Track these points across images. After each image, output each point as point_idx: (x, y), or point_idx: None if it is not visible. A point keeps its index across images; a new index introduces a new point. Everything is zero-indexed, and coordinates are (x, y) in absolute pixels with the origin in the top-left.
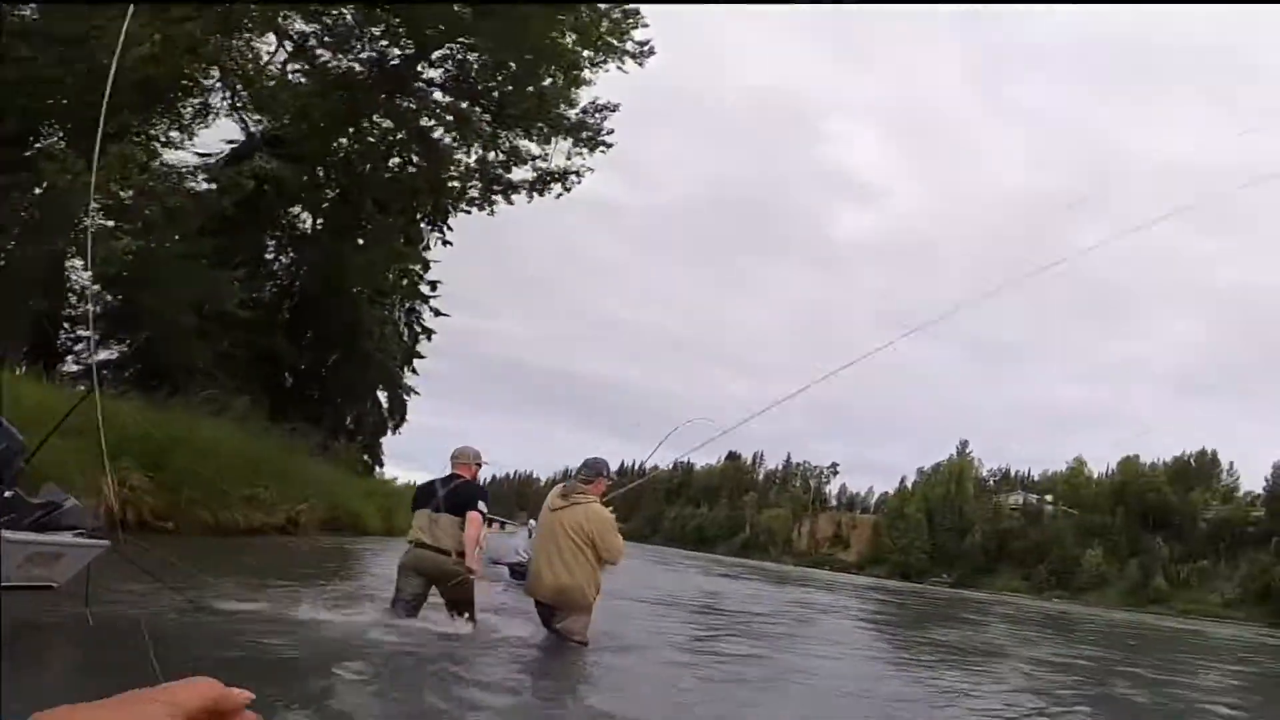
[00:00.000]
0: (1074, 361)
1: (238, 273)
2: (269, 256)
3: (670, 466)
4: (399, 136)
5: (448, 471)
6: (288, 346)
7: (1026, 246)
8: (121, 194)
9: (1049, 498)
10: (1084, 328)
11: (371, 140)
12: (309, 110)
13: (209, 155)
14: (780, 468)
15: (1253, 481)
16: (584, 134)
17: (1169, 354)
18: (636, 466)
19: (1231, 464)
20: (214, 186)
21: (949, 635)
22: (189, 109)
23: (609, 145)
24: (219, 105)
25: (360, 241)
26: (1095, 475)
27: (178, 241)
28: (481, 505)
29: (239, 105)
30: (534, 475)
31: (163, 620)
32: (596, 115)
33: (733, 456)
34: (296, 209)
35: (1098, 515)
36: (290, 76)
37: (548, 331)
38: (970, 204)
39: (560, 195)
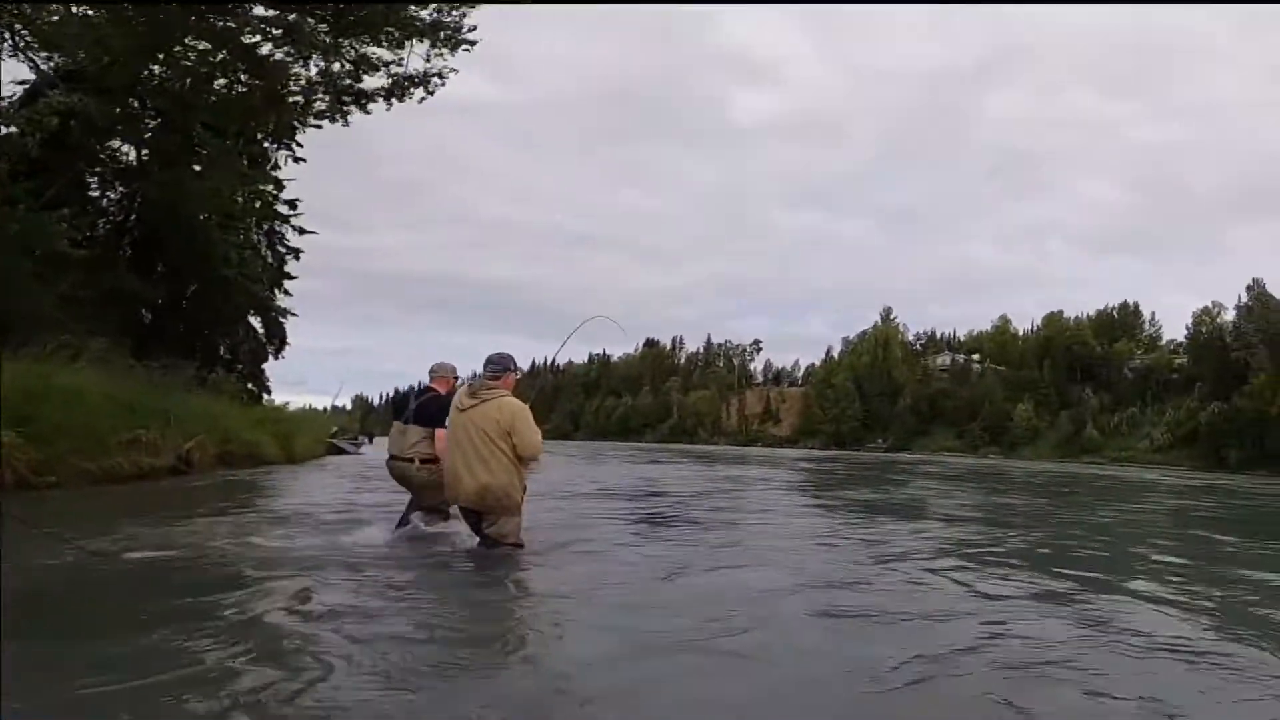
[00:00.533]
0: (989, 224)
1: (61, 212)
2: (95, 194)
3: (586, 360)
4: (220, 57)
5: (423, 385)
6: (137, 283)
7: (934, 116)
8: None
9: (976, 357)
10: (996, 192)
11: (189, 64)
12: (107, 41)
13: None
14: (701, 350)
15: (1174, 330)
16: (441, 34)
17: (1084, 215)
18: (549, 363)
19: (1153, 314)
20: (13, 130)
21: (875, 495)
22: None
23: (472, 43)
24: None
25: (197, 168)
26: (1021, 332)
27: None
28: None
29: (21, 45)
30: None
31: (85, 574)
32: (455, 12)
33: (650, 343)
34: (116, 143)
35: (1026, 371)
36: (75, 9)
37: (431, 240)
38: (876, 79)
39: (424, 100)
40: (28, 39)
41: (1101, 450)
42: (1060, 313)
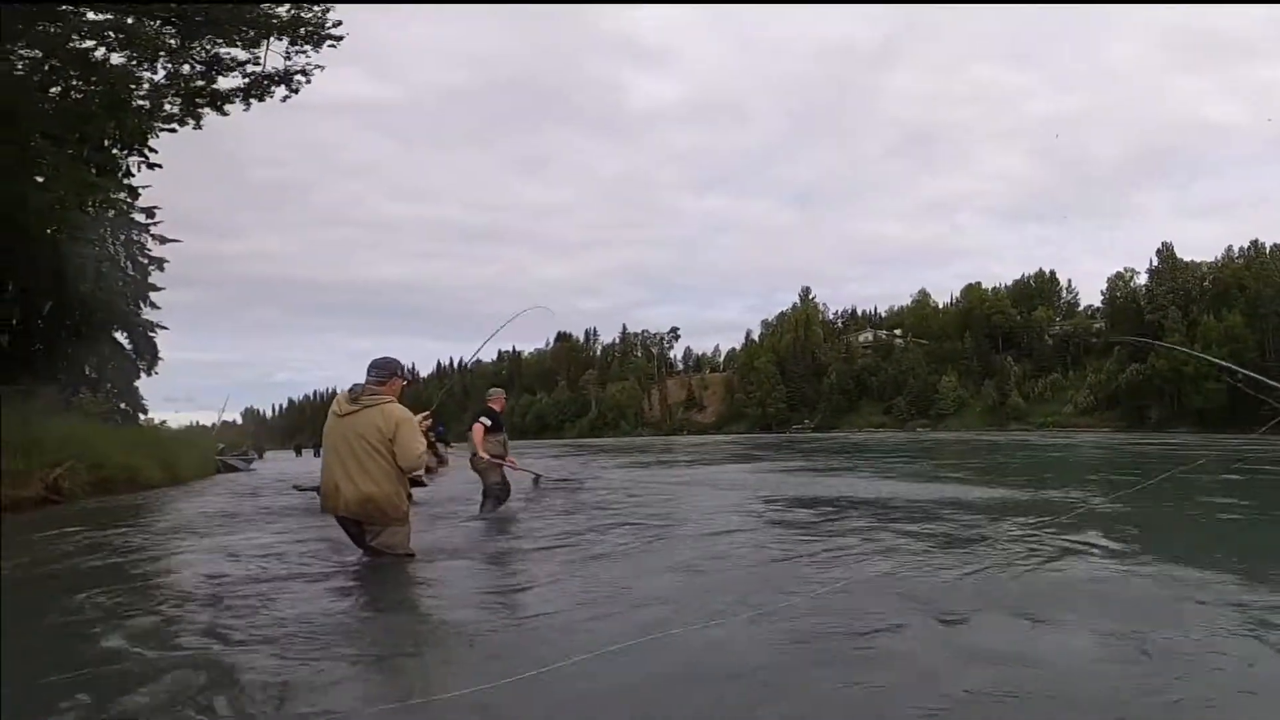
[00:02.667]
0: (899, 200)
1: None
2: None
3: (495, 358)
4: (51, 64)
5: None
6: None
7: (838, 94)
8: None
9: (898, 332)
10: (904, 168)
11: (20, 71)
12: None
13: None
14: (618, 340)
15: (1090, 295)
16: (302, 30)
17: (994, 187)
18: (458, 363)
19: (1069, 281)
20: None
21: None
22: None
23: (338, 38)
24: None
25: (40, 179)
26: (941, 305)
27: None
28: None
29: None
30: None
31: None
32: (316, 8)
33: (563, 337)
34: None
35: (948, 343)
36: None
37: (312, 241)
38: (775, 56)
39: (287, 98)
40: None
41: (1027, 417)
42: (979, 284)
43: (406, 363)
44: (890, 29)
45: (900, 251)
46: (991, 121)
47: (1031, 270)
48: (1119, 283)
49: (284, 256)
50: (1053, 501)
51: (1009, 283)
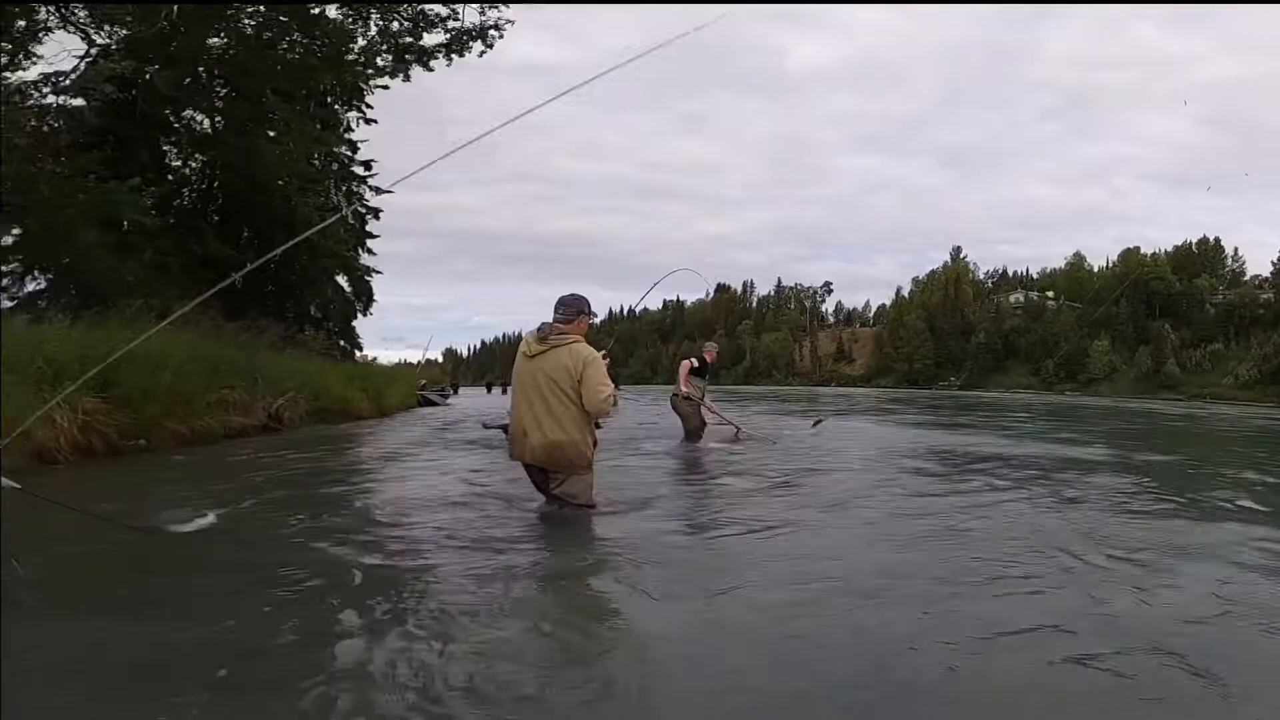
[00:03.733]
0: (1053, 163)
1: (131, 181)
2: (177, 163)
3: (660, 307)
4: (277, 22)
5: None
6: (224, 248)
7: (994, 57)
8: None
9: (1050, 294)
10: (1059, 131)
11: (249, 32)
12: (153, 12)
13: (61, 74)
14: (773, 293)
15: (1259, 265)
16: None
17: (1157, 152)
18: (625, 311)
19: (1236, 249)
20: (74, 102)
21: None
22: (15, 30)
23: None
24: (44, 19)
25: (271, 134)
26: (1096, 269)
27: (61, 161)
28: None
29: (70, 18)
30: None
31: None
32: None
33: (722, 288)
34: (190, 111)
35: (1102, 307)
36: None
37: (503, 196)
38: (933, 22)
39: (483, 53)
40: (79, 12)
41: (1182, 387)
42: (1137, 248)
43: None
44: None
45: (1054, 215)
46: (1154, 85)
47: (1194, 237)
48: None
49: (478, 210)
50: None
51: (1169, 248)
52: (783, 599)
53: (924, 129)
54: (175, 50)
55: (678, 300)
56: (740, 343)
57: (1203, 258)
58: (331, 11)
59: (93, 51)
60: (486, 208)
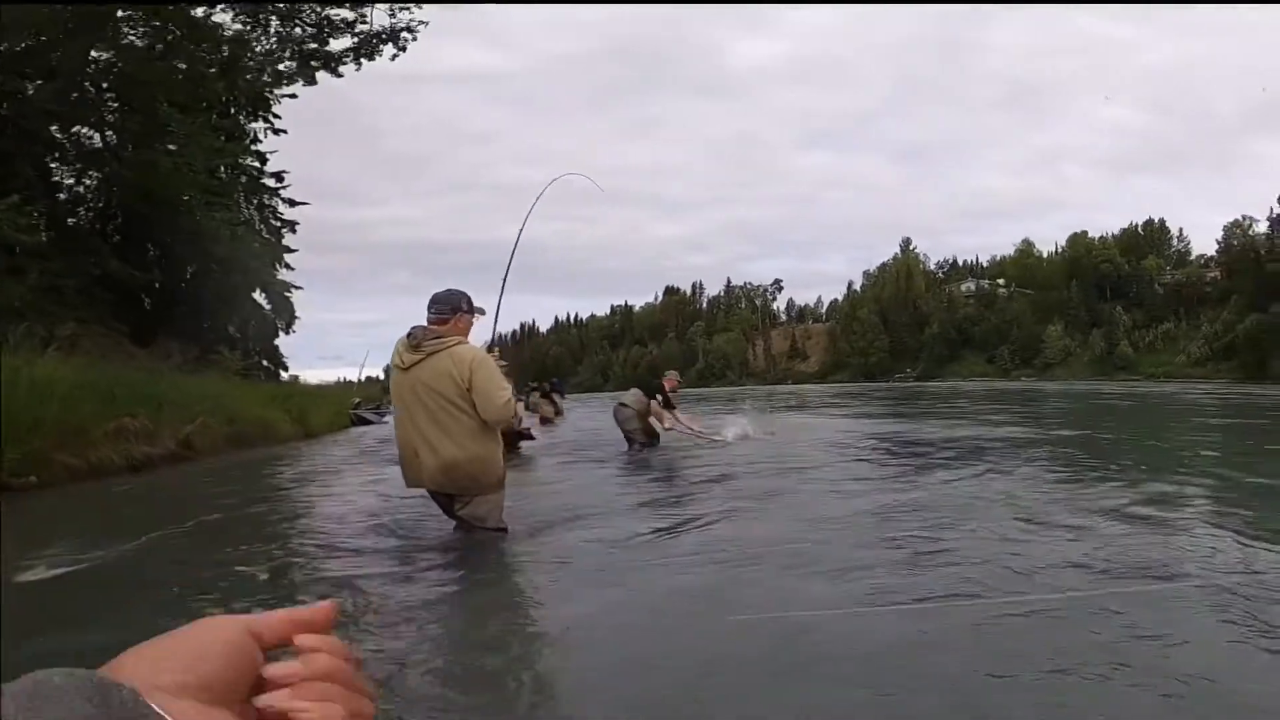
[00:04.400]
0: (1003, 153)
1: (11, 199)
2: (70, 180)
3: (608, 311)
4: (170, 35)
5: None
6: (123, 268)
7: (942, 50)
8: None
9: (1001, 281)
10: (1008, 122)
11: (138, 44)
12: (36, 25)
13: None
14: (723, 293)
15: (1202, 245)
16: None
17: (1100, 139)
18: (573, 318)
19: (1180, 230)
20: None
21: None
22: None
23: None
24: None
25: (172, 147)
26: (1045, 254)
27: None
28: None
29: None
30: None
31: None
32: None
33: (671, 291)
34: (79, 127)
35: (1053, 292)
36: None
37: (444, 207)
38: (878, 15)
39: (396, 56)
40: None
41: (1137, 368)
42: (1084, 233)
43: (525, 319)
44: None
45: (1002, 204)
46: (1097, 73)
47: (1140, 218)
48: (1236, 230)
49: (418, 222)
50: None
51: (1116, 231)
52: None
53: (874, 124)
54: (56, 63)
55: (625, 305)
56: (692, 345)
57: (1149, 239)
58: (225, 19)
59: None
60: (424, 219)
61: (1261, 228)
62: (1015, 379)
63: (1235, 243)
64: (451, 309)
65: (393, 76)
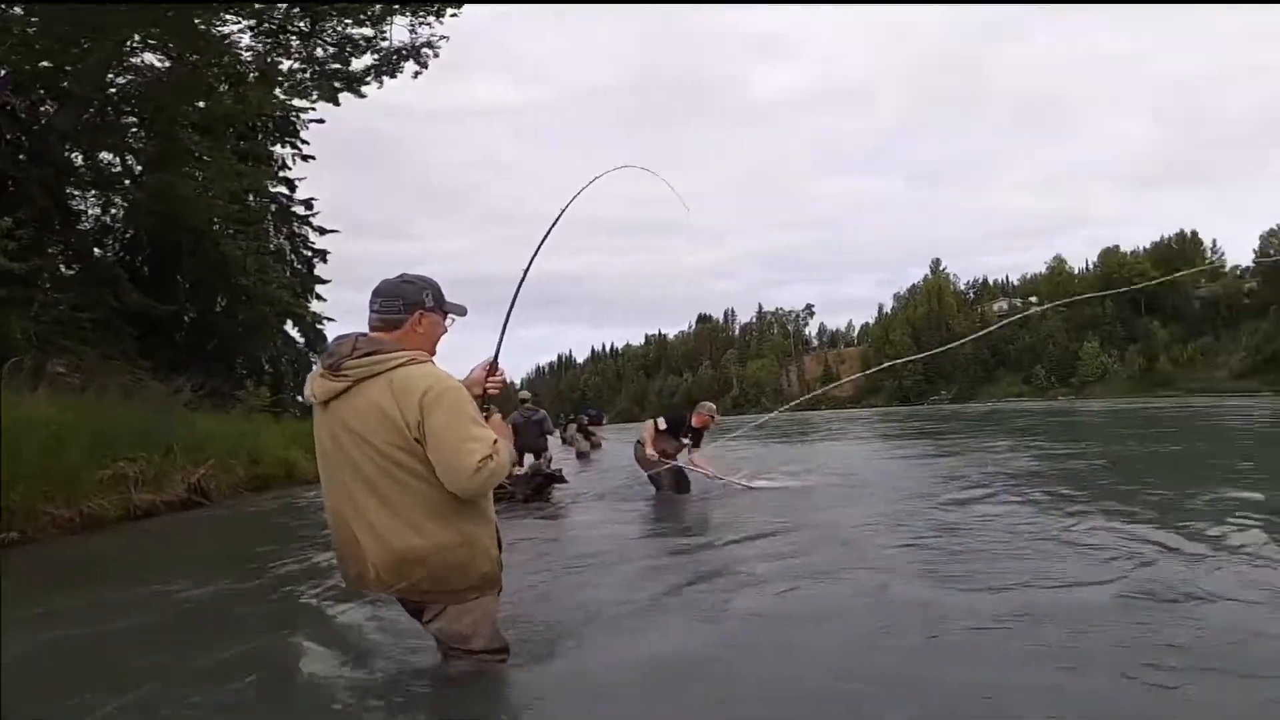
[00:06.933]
0: (1025, 171)
1: (21, 230)
2: (95, 210)
3: (643, 341)
4: (191, 61)
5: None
6: (144, 299)
7: (957, 70)
8: None
9: (1034, 299)
10: (1027, 140)
11: (157, 65)
12: (53, 49)
13: None
14: (754, 320)
15: (1237, 256)
16: None
17: (1123, 153)
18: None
19: (1214, 241)
20: None
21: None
22: None
23: (459, 5)
24: None
25: (199, 175)
26: (1076, 271)
27: None
28: None
29: None
30: (508, 379)
31: None
32: None
33: (704, 319)
34: (103, 154)
35: (1087, 308)
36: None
37: (480, 241)
38: (894, 39)
39: (418, 74)
40: None
41: (1177, 383)
42: (1116, 247)
43: (562, 349)
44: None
45: (1029, 222)
46: (1111, 87)
47: (1171, 231)
48: (1273, 239)
49: (455, 256)
50: None
51: (1148, 245)
52: None
53: (894, 146)
54: (70, 86)
55: (659, 334)
56: (726, 372)
57: (1182, 252)
58: (246, 40)
59: None
60: (463, 253)
61: None
62: (1052, 398)
63: (1271, 252)
64: (405, 304)
65: (423, 111)
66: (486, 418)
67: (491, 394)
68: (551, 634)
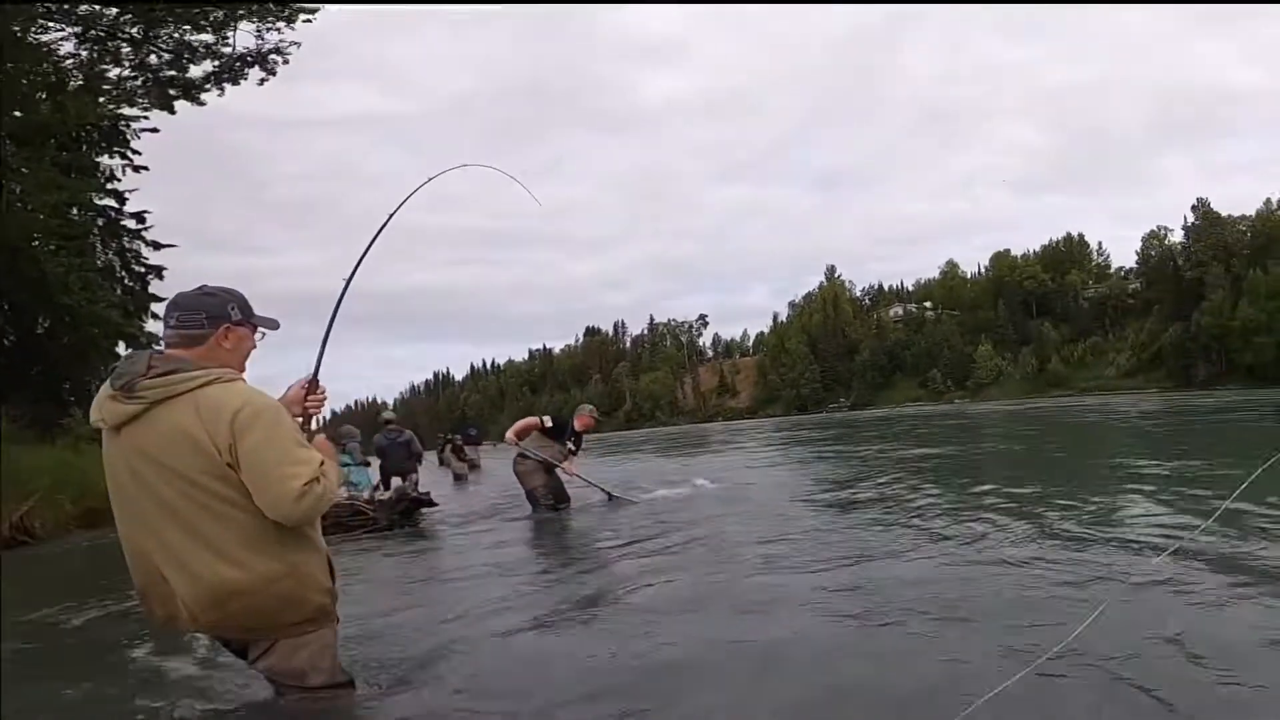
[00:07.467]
0: (917, 178)
1: None
2: None
3: (526, 356)
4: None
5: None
6: None
7: (852, 78)
8: None
9: (928, 304)
10: (921, 147)
11: None
12: None
13: None
14: (646, 331)
15: (1122, 258)
16: (271, 3)
17: (1012, 159)
18: (489, 365)
19: (1100, 244)
20: None
21: None
22: None
23: (312, 12)
24: None
25: (16, 188)
26: (969, 275)
27: None
28: None
29: None
30: (378, 399)
31: None
32: None
33: (592, 332)
34: None
35: (980, 312)
36: None
37: (339, 255)
38: (787, 47)
39: (264, 81)
40: None
41: (1068, 383)
42: (1007, 251)
43: (439, 367)
44: (893, 9)
45: (922, 229)
46: (1001, 95)
47: (1059, 235)
48: (1154, 241)
49: (312, 270)
50: None
51: (1037, 248)
52: None
53: (788, 154)
54: None
55: (544, 349)
56: (618, 386)
57: (1070, 255)
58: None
59: None
60: (321, 267)
61: (1177, 237)
62: (948, 401)
63: (1152, 254)
64: (209, 318)
65: (280, 120)
66: (309, 439)
67: (312, 413)
68: (404, 664)
